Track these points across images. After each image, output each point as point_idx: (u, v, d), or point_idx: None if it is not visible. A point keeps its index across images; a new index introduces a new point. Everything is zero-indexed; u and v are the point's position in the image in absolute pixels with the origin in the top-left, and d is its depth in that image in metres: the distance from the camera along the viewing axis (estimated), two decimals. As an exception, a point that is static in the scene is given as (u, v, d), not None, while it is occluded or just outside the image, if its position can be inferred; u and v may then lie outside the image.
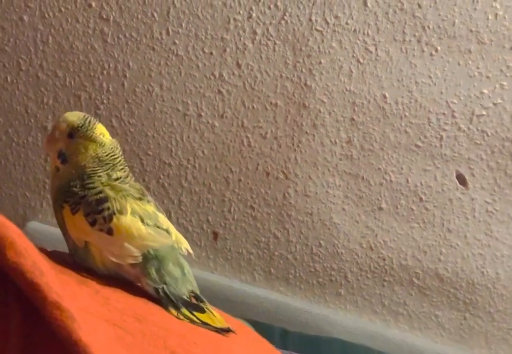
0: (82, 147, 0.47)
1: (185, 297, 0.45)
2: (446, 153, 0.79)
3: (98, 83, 0.83)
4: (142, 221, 0.45)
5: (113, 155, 0.49)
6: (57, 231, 0.49)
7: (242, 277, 0.88)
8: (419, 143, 0.80)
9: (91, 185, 0.46)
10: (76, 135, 0.46)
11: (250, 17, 0.78)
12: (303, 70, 0.79)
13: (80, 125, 0.47)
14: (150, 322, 0.39)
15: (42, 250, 0.43)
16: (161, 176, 0.85)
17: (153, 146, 0.84)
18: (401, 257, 0.83)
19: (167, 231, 0.47)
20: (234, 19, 0.79)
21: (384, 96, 0.79)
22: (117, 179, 0.48)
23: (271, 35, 0.79)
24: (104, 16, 0.81)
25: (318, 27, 0.78)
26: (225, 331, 0.45)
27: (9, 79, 0.84)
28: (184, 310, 0.44)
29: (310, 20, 0.78)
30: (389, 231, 0.83)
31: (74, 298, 0.35)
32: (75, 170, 0.46)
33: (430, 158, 0.80)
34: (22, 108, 0.85)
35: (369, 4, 0.76)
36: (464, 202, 0.81)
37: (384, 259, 0.84)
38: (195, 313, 0.45)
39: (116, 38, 0.81)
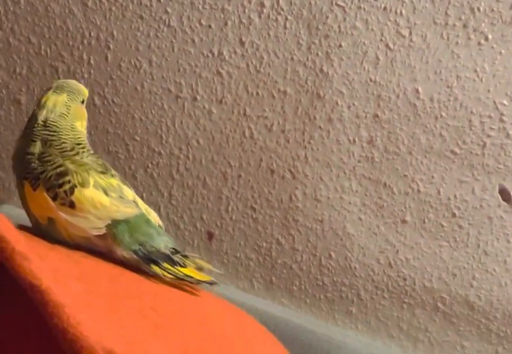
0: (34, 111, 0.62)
1: (165, 251, 0.60)
2: (489, 164, 0.89)
3: (77, 53, 0.96)
4: (106, 193, 0.59)
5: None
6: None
7: (240, 283, 1.04)
8: (456, 150, 0.89)
9: (49, 158, 0.59)
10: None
11: (258, -18, 0.87)
12: (319, 53, 0.89)
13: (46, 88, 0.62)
14: (124, 282, 0.52)
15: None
16: (150, 165, 1.00)
17: (141, 130, 0.98)
18: (426, 278, 0.96)
19: (134, 202, 0.62)
20: (239, -15, 0.87)
21: (417, 91, 0.87)
22: (75, 153, 0.61)
23: (282, 9, 0.87)
24: (86, -29, 0.92)
25: (339, 2, 0.84)
26: (208, 283, 0.62)
27: (-23, 43, 0.98)
28: (166, 265, 0.59)
29: (331, -9, 0.85)
30: (413, 248, 0.96)
31: (45, 259, 0.45)
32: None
33: (468, 167, 0.89)
34: (-8, 77, 1.00)
35: (407, -26, 0.83)
36: (507, 222, 0.91)
37: (405, 279, 0.97)
38: (177, 267, 0.60)
39: (98, 2, 0.92)
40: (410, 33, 0.84)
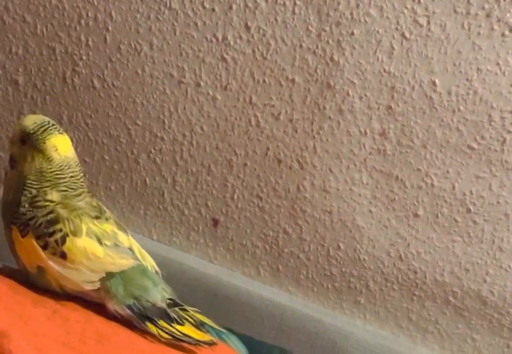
0: (29, 156, 0.58)
1: (162, 306, 0.59)
2: (508, 160, 0.88)
3: (75, 34, 0.95)
4: (100, 242, 0.57)
5: (59, 174, 0.59)
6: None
7: (246, 270, 1.07)
8: (474, 145, 0.88)
9: (40, 204, 0.57)
10: (27, 142, 0.58)
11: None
12: (330, 41, 0.87)
13: (32, 132, 0.57)
14: (114, 343, 0.51)
15: None
16: (152, 150, 1.01)
17: (143, 115, 0.99)
18: (437, 272, 0.98)
19: (130, 249, 0.60)
20: (245, -35, 0.85)
21: (434, 83, 0.85)
22: (49, 200, 0.57)
23: (291, -7, 0.86)
24: None
25: (352, -13, 0.84)
26: (207, 344, 0.59)
27: (-30, 20, 0.98)
28: (162, 323, 0.58)
29: (344, -25, 0.82)
30: (425, 242, 0.97)
31: (27, 321, 0.45)
32: (18, 178, 0.58)
33: (486, 163, 0.89)
34: (-13, 56, 1.00)
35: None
36: (525, 220, 0.92)
37: (415, 272, 0.99)
38: (174, 325, 0.58)
39: (95, -19, 0.92)
40: (428, 22, 0.82)
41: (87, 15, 0.92)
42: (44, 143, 0.59)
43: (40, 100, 0.99)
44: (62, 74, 0.96)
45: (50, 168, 0.59)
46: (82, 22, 0.92)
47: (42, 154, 0.59)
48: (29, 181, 0.59)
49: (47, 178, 0.59)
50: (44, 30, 0.94)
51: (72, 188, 0.60)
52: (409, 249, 0.96)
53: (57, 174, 0.60)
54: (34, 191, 0.58)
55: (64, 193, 0.60)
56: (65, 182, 0.60)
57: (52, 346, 0.44)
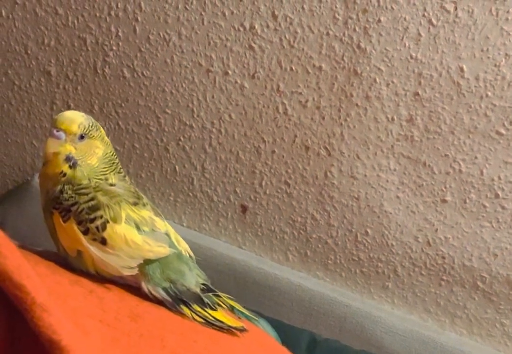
0: (94, 148, 0.60)
1: (196, 290, 0.60)
2: (537, 146, 0.88)
3: (105, 25, 0.97)
4: (138, 228, 0.58)
5: (115, 154, 0.62)
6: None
7: (274, 255, 1.09)
8: (502, 130, 0.88)
9: (82, 191, 0.58)
10: (86, 136, 0.59)
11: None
12: (357, 28, 0.88)
13: (91, 124, 0.59)
14: (147, 321, 0.52)
15: (32, 250, 0.58)
16: (182, 138, 1.03)
17: (172, 104, 1.01)
18: (465, 257, 0.99)
19: (167, 234, 0.61)
20: (272, -48, 0.86)
21: (461, 69, 0.85)
22: (112, 184, 0.60)
23: (317, -19, 0.86)
24: None
25: (379, -26, 0.84)
26: (239, 330, 0.60)
27: (3, 13, 1.01)
28: (196, 307, 0.59)
29: (371, -39, 0.83)
30: (453, 227, 0.97)
31: (66, 299, 0.47)
32: (87, 173, 0.59)
33: (514, 149, 0.89)
34: (21, 48, 1.02)
35: None
36: (554, 205, 0.91)
37: (443, 257, 1.00)
38: (207, 310, 0.60)
39: (124, -28, 0.93)
40: (456, 8, 0.82)
41: (116, 6, 0.93)
42: (101, 131, 0.61)
43: (72, 90, 1.01)
44: (93, 65, 0.98)
45: (110, 151, 0.62)
46: (112, 13, 0.94)
47: (102, 141, 0.61)
48: (100, 172, 0.61)
49: (112, 161, 0.62)
50: (75, 22, 0.96)
51: (120, 172, 0.63)
52: (437, 234, 0.96)
53: (115, 154, 0.63)
54: (86, 181, 0.60)
55: (119, 174, 0.62)
56: (118, 164, 0.63)
57: (89, 322, 0.46)
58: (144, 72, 0.97)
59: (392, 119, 0.90)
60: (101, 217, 0.58)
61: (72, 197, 0.59)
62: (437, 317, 1.03)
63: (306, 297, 1.04)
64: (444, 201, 0.94)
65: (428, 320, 1.04)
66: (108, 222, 0.58)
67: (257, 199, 1.03)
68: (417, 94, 0.87)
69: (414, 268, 1.00)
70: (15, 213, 1.11)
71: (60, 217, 0.58)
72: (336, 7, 0.85)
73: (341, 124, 0.92)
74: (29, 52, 1.01)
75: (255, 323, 0.75)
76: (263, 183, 1.01)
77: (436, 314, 1.03)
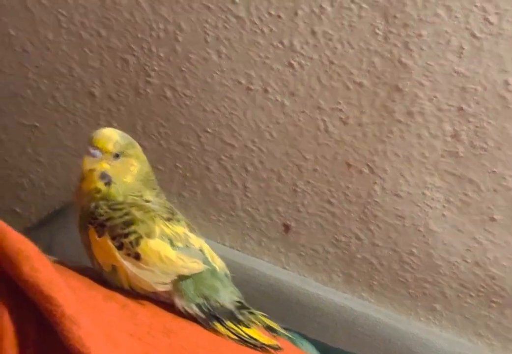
0: (129, 166, 0.60)
1: (230, 307, 0.59)
2: None
3: (147, 46, 0.98)
4: (172, 244, 0.58)
5: (151, 171, 0.63)
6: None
7: (318, 276, 1.06)
8: (552, 145, 0.85)
9: (117, 206, 0.59)
10: (123, 153, 0.59)
11: (330, -32, 0.84)
12: (397, 43, 0.85)
13: (126, 142, 0.60)
14: (180, 336, 0.52)
15: (68, 265, 0.58)
16: (223, 158, 1.02)
17: (213, 123, 1.00)
18: (516, 278, 0.95)
19: (201, 250, 0.61)
20: (310, -29, 0.86)
21: (507, 83, 0.81)
22: (147, 200, 0.60)
23: (356, -4, 0.85)
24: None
25: (419, -12, 0.82)
26: (273, 348, 0.59)
27: (50, 37, 1.03)
28: (229, 323, 0.58)
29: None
30: (503, 247, 0.93)
31: (99, 313, 0.47)
32: (122, 190, 0.60)
33: None
34: (66, 70, 1.04)
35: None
36: None
37: (493, 278, 0.96)
38: (241, 327, 0.59)
39: (164, -7, 0.94)
40: (500, 20, 0.79)
41: (157, 27, 0.94)
42: (138, 148, 0.62)
43: (115, 111, 1.02)
44: (135, 85, 0.99)
45: (146, 169, 0.63)
46: (153, 34, 0.95)
47: (139, 159, 0.62)
48: (136, 189, 0.61)
49: (149, 178, 0.63)
50: (118, 43, 0.98)
51: (155, 188, 0.63)
52: (486, 254, 0.93)
53: (152, 173, 0.63)
54: (121, 198, 0.61)
55: (154, 190, 0.63)
56: (154, 180, 0.63)
57: (121, 336, 0.46)
58: (185, 92, 0.98)
59: (436, 135, 0.88)
60: (135, 232, 0.58)
61: (106, 212, 0.59)
62: (488, 341, 0.99)
63: (350, 318, 1.02)
64: (492, 219, 0.91)
65: (478, 343, 1.00)
66: (142, 237, 0.58)
67: (300, 219, 1.01)
68: (461, 109, 0.85)
69: (462, 289, 0.97)
70: (62, 233, 1.12)
71: (95, 232, 0.59)
72: (376, 22, 0.84)
73: (383, 140, 0.91)
74: (74, 74, 1.03)
75: (296, 342, 0.73)
76: (305, 202, 0.99)
77: (487, 337, 0.99)
